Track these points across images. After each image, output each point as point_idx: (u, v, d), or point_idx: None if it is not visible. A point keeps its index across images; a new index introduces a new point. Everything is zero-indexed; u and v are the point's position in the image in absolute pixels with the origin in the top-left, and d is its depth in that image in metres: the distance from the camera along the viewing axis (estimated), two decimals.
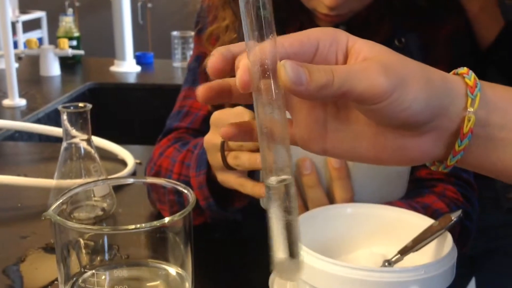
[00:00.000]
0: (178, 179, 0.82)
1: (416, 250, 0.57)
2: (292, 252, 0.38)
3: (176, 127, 0.93)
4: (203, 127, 0.89)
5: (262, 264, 0.70)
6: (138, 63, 2.10)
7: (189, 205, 0.54)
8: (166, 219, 0.53)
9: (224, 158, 0.70)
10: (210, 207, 0.78)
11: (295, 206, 0.38)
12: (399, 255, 0.58)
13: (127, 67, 2.05)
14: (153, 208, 0.87)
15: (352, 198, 0.70)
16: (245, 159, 0.68)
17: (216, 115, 0.73)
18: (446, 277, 0.53)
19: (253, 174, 0.75)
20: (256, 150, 0.67)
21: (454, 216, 0.56)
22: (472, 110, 0.40)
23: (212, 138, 0.73)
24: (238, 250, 0.82)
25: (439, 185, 0.81)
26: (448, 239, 0.56)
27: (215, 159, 0.72)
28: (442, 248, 0.57)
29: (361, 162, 0.43)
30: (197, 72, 0.94)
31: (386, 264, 0.58)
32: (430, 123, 0.40)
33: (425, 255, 0.59)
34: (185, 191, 0.57)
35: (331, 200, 0.70)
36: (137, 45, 2.24)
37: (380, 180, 0.71)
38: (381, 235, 0.63)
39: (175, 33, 2.18)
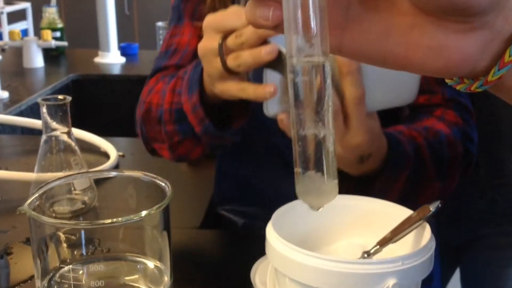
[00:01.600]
0: (170, 108, 0.80)
1: (395, 241, 0.57)
2: (328, 168, 0.33)
3: (165, 66, 0.90)
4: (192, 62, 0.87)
5: (243, 255, 0.70)
6: (122, 54, 2.09)
7: (166, 198, 0.54)
8: (143, 213, 0.53)
9: (223, 61, 0.66)
10: (206, 130, 0.76)
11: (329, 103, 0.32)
12: (378, 246, 0.58)
13: (112, 58, 2.04)
14: (149, 152, 0.87)
15: (364, 95, 0.65)
16: (247, 55, 0.64)
17: (210, 19, 0.69)
18: (424, 268, 0.53)
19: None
20: (259, 44, 0.64)
21: (432, 207, 0.56)
22: None
23: (207, 44, 0.68)
24: (218, 241, 0.82)
25: (438, 110, 0.80)
26: (427, 230, 0.56)
27: (212, 65, 0.68)
28: (421, 239, 0.57)
29: (382, 64, 0.36)
30: (180, 9, 0.92)
31: (365, 255, 0.58)
32: (485, 15, 0.33)
33: (404, 246, 0.59)
34: (163, 184, 0.56)
35: (341, 98, 0.66)
36: (123, 36, 2.23)
37: (392, 79, 0.68)
38: (360, 226, 0.62)
39: (160, 23, 2.17)
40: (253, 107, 0.76)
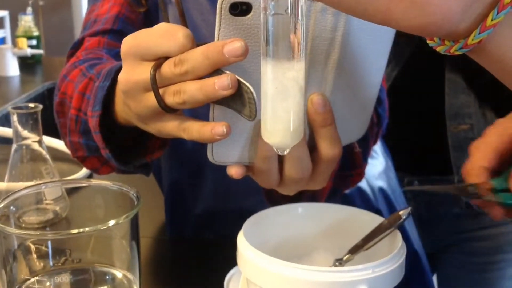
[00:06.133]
0: (77, 116, 0.67)
1: (367, 249, 0.57)
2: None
3: (85, 36, 0.78)
4: (117, 25, 0.77)
5: (216, 264, 0.70)
6: None
7: (135, 208, 0.53)
8: (111, 222, 0.52)
9: (159, 98, 0.50)
10: (109, 159, 0.63)
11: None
12: (349, 254, 0.57)
13: None
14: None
15: (340, 154, 0.56)
16: (194, 89, 0.48)
17: (132, 42, 0.51)
18: (394, 276, 0.52)
19: None
20: (209, 73, 0.48)
21: (403, 214, 0.56)
22: None
23: (132, 75, 0.52)
24: (189, 250, 0.81)
25: None
26: (398, 237, 0.56)
27: (141, 103, 0.53)
28: (392, 246, 0.56)
29: (362, 15, 0.34)
30: None
31: (337, 263, 0.57)
32: None
33: (377, 253, 0.58)
34: (131, 192, 0.55)
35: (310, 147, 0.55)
36: None
37: (346, 118, 0.58)
38: (332, 233, 0.62)
39: None
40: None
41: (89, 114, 0.62)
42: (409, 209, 0.57)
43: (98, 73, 0.65)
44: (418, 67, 1.00)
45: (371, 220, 0.60)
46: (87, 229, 0.51)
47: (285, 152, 0.40)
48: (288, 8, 0.35)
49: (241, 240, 0.55)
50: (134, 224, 0.54)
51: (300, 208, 0.64)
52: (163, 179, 0.91)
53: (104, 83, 0.61)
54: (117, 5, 0.79)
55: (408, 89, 1.02)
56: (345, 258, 0.57)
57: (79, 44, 0.79)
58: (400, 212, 0.56)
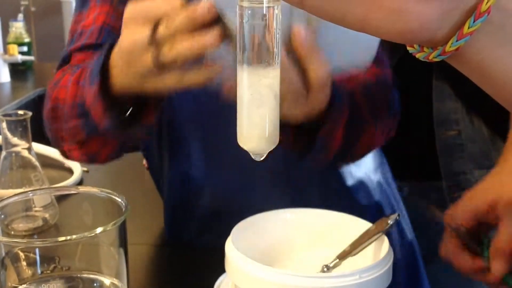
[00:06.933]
0: (74, 102, 0.71)
1: (354, 255, 0.57)
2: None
3: (71, 51, 0.80)
4: (101, 38, 0.79)
5: (204, 271, 0.70)
6: None
7: (122, 215, 0.53)
8: (98, 230, 0.52)
9: (156, 55, 0.57)
10: (109, 125, 0.68)
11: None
12: (337, 259, 0.58)
13: None
14: (61, 154, 0.80)
15: (329, 75, 0.63)
16: (186, 44, 0.55)
17: (133, 8, 0.60)
18: (382, 281, 0.53)
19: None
20: (197, 28, 0.55)
21: (390, 220, 0.56)
22: None
23: (132, 36, 0.59)
24: (177, 258, 0.81)
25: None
26: (385, 243, 0.56)
27: (142, 62, 0.59)
28: (380, 251, 0.57)
29: (341, 22, 0.35)
30: None
31: (325, 269, 0.58)
32: None
33: (364, 258, 0.59)
34: (119, 199, 0.56)
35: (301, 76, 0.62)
36: None
37: (349, 40, 0.63)
38: (319, 239, 0.62)
39: None
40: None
41: (86, 93, 0.67)
42: (396, 214, 0.57)
43: (89, 62, 0.70)
44: (406, 73, 1.01)
45: (357, 226, 0.60)
46: (74, 236, 0.51)
47: (262, 158, 0.41)
48: (263, 16, 0.35)
49: (229, 246, 0.56)
50: (122, 231, 0.54)
51: (288, 213, 0.64)
52: (165, 180, 0.92)
53: (99, 59, 0.66)
54: (103, 14, 0.80)
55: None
56: (332, 264, 0.58)
57: (67, 58, 0.81)
58: (387, 218, 0.57)
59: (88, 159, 0.78)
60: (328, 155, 0.73)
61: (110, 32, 0.79)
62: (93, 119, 0.69)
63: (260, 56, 0.36)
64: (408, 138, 1.04)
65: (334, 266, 0.58)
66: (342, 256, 0.58)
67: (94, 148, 0.75)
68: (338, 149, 0.73)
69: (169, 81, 0.60)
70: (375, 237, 0.57)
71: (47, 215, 0.83)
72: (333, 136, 0.72)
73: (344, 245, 0.59)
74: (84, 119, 0.71)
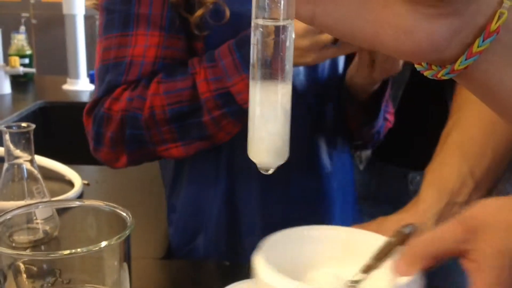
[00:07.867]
0: (212, 96, 0.78)
1: (378, 268, 0.57)
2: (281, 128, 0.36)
3: (124, 82, 0.81)
4: (156, 68, 0.81)
5: (208, 285, 0.70)
6: (92, 81, 2.08)
7: (127, 229, 0.53)
8: (103, 244, 0.52)
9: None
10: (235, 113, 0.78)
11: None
12: (363, 274, 0.57)
13: (80, 85, 2.02)
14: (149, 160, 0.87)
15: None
16: None
17: None
18: None
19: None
20: None
21: (407, 230, 0.56)
22: (508, 4, 0.34)
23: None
24: (181, 272, 0.80)
25: None
26: None
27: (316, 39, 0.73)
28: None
29: (352, 40, 0.36)
30: (131, 13, 0.80)
31: (350, 284, 0.57)
32: (456, 2, 0.33)
33: (385, 270, 0.58)
34: (124, 213, 0.55)
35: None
36: (93, 63, 2.22)
37: None
38: (336, 255, 0.62)
39: None
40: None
41: (234, 81, 0.76)
42: (412, 225, 0.57)
43: (210, 59, 0.78)
44: (420, 88, 1.03)
45: (372, 241, 0.60)
46: (79, 250, 0.51)
47: (269, 172, 0.41)
48: (277, 34, 0.36)
49: (260, 261, 0.55)
50: (126, 245, 0.54)
51: (310, 230, 0.63)
52: (179, 190, 0.93)
53: (241, 52, 0.76)
54: (153, 48, 0.80)
55: (413, 110, 1.05)
56: (358, 278, 0.57)
57: (117, 85, 0.82)
58: (403, 229, 0.56)
59: (193, 152, 0.83)
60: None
61: (162, 64, 0.81)
62: (239, 105, 0.77)
63: (272, 73, 0.37)
64: (423, 129, 1.05)
65: (360, 281, 0.57)
66: (367, 270, 0.57)
67: (197, 147, 0.82)
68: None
69: (331, 53, 0.76)
70: (396, 248, 0.56)
71: (48, 228, 0.83)
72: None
73: (356, 260, 0.58)
74: (229, 106, 0.78)
